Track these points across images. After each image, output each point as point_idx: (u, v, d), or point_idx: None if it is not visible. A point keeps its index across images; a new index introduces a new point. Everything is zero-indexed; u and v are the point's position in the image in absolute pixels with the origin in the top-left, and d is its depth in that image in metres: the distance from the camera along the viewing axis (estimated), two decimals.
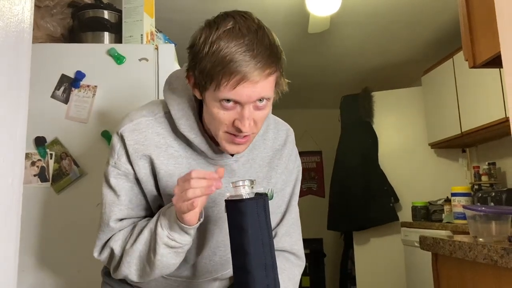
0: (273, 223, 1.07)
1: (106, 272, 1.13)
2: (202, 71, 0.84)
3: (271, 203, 1.04)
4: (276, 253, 0.99)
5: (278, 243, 1.08)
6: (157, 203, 0.99)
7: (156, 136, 0.96)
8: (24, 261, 1.56)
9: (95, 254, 0.98)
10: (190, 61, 0.88)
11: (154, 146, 0.95)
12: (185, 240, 0.89)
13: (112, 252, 0.95)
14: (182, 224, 0.86)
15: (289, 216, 1.10)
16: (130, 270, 0.93)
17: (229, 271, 1.10)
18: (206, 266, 1.04)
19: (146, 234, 0.91)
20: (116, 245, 0.95)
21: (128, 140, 0.95)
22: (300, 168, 1.14)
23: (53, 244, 1.61)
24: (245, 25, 0.84)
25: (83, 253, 1.60)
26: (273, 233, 1.09)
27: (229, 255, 1.01)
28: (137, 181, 0.96)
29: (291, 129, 1.12)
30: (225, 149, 0.92)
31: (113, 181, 0.95)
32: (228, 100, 0.84)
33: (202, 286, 1.08)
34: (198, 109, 0.96)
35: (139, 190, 0.97)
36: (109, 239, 0.97)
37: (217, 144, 0.95)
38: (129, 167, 0.95)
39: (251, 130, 0.88)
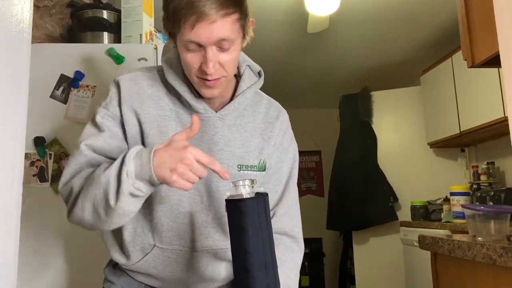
0: (271, 202, 1.06)
1: (108, 270, 1.12)
2: (168, 18, 0.91)
3: (268, 180, 1.06)
4: (275, 236, 0.97)
5: (277, 223, 1.06)
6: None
7: (150, 88, 1.01)
8: (23, 261, 1.56)
9: (59, 185, 0.97)
10: (163, 14, 0.94)
11: (147, 97, 1.00)
12: (151, 190, 0.88)
13: (71, 190, 0.93)
14: (156, 180, 0.83)
15: (288, 196, 1.10)
16: (83, 214, 0.90)
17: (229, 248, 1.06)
18: (200, 227, 1.01)
19: (104, 179, 0.86)
20: (77, 183, 0.92)
21: (123, 86, 1.00)
22: (297, 151, 1.15)
23: (53, 244, 1.61)
24: None
25: (82, 253, 1.60)
26: (271, 213, 1.07)
27: (221, 220, 1.02)
28: (122, 126, 0.98)
29: (285, 111, 1.14)
30: (201, 93, 0.96)
31: (98, 119, 0.98)
32: (191, 42, 0.88)
33: (204, 261, 1.04)
34: None
35: (122, 135, 0.99)
36: (75, 175, 0.94)
37: (201, 97, 0.99)
38: (118, 110, 0.99)
39: (218, 72, 0.92)
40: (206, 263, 1.04)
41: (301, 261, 1.12)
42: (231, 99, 1.04)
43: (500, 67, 0.95)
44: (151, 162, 0.83)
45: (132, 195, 0.85)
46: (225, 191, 0.98)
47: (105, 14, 1.90)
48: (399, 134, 3.76)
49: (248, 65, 1.10)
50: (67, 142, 1.67)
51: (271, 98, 1.15)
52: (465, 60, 1.65)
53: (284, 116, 1.13)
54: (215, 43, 0.89)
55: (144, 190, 0.86)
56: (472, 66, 1.62)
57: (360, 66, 3.98)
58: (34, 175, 1.66)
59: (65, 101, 1.70)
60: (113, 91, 1.01)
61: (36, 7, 1.81)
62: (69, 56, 1.71)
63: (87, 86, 1.71)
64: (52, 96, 1.70)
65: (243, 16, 0.92)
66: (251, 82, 1.07)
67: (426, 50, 3.62)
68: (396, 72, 4.13)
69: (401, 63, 3.91)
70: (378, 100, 3.84)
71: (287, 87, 4.45)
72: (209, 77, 0.91)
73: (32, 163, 1.66)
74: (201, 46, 0.89)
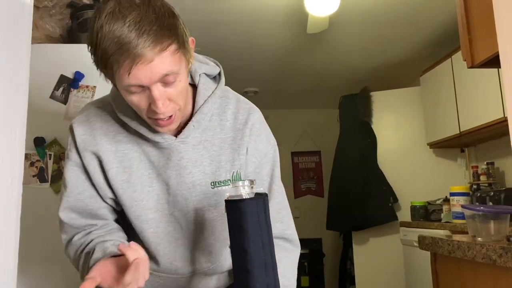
0: None
1: None
2: (98, 63, 0.82)
3: None
4: None
5: None
6: (107, 195, 0.98)
7: (105, 124, 0.96)
8: (23, 262, 1.56)
9: (62, 241, 1.03)
10: (91, 55, 0.84)
11: (102, 134, 0.95)
12: None
13: (69, 256, 1.02)
14: None
15: (274, 201, 1.04)
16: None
17: (219, 265, 1.06)
18: (184, 254, 1.01)
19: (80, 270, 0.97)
20: (71, 253, 1.01)
21: (77, 131, 0.96)
22: (276, 148, 1.07)
23: (52, 244, 1.61)
24: (126, 4, 0.78)
25: None
26: None
27: (204, 243, 1.01)
28: (88, 173, 0.96)
29: (255, 108, 1.05)
30: (157, 130, 0.90)
31: (65, 173, 0.98)
32: (132, 86, 0.80)
33: (194, 282, 1.04)
34: None
35: (90, 182, 0.97)
36: (70, 240, 1.01)
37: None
38: (77, 157, 0.96)
39: (169, 109, 0.84)
40: (197, 282, 1.05)
41: (297, 259, 1.09)
42: (191, 115, 0.96)
43: (500, 67, 0.95)
44: None
45: None
46: (204, 213, 0.99)
47: None
48: (399, 135, 3.77)
49: (204, 73, 1.00)
50: (67, 142, 1.67)
51: (239, 98, 1.05)
52: (465, 60, 1.65)
53: (254, 117, 1.02)
54: (158, 81, 0.80)
55: None
56: (472, 67, 1.62)
57: (360, 67, 3.98)
58: (34, 176, 1.66)
59: (65, 101, 1.70)
60: (70, 138, 0.98)
61: (36, 7, 1.81)
62: (69, 57, 1.71)
63: (87, 86, 1.71)
64: (52, 96, 1.70)
65: (181, 43, 0.82)
66: (208, 93, 0.97)
67: (425, 51, 3.62)
68: (395, 73, 4.13)
69: (401, 63, 3.91)
70: (378, 101, 3.84)
71: (287, 88, 4.45)
72: (161, 116, 0.84)
73: (32, 164, 1.66)
74: (143, 87, 0.81)
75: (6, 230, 0.54)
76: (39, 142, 1.66)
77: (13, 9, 0.57)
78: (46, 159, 1.66)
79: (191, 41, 0.87)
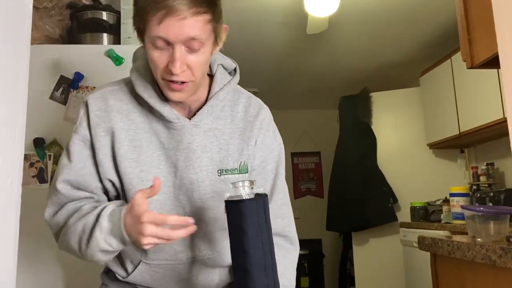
0: None
1: (105, 275, 1.12)
2: (137, 14, 0.87)
3: None
4: None
5: None
6: (106, 175, 0.98)
7: (119, 102, 0.98)
8: (22, 263, 1.56)
9: (46, 217, 0.99)
10: (133, 12, 0.90)
11: (116, 111, 0.97)
12: (121, 247, 0.89)
13: (56, 226, 0.98)
14: (128, 239, 0.85)
15: (277, 197, 1.06)
16: (67, 250, 0.97)
17: (220, 256, 1.04)
18: (183, 239, 1.00)
19: (80, 228, 0.91)
20: (60, 220, 0.96)
21: (92, 107, 0.97)
22: (282, 146, 1.10)
23: (52, 245, 1.61)
24: None
25: None
26: None
27: (205, 229, 1.01)
28: (93, 149, 0.97)
29: (266, 107, 1.09)
30: (167, 96, 0.92)
31: (71, 146, 0.98)
32: (158, 38, 0.84)
33: (194, 271, 1.03)
34: None
35: (93, 160, 0.97)
36: (59, 210, 0.97)
37: (173, 106, 0.96)
38: (87, 132, 0.97)
39: (185, 75, 0.87)
40: (196, 272, 1.03)
41: (297, 259, 1.09)
42: (205, 102, 1.00)
43: (499, 68, 0.95)
44: (121, 222, 0.85)
45: (101, 250, 0.89)
46: (208, 199, 0.99)
47: (104, 15, 1.90)
48: (399, 135, 3.77)
49: (221, 64, 1.05)
50: (67, 143, 1.67)
51: (251, 95, 1.09)
52: (464, 61, 1.65)
53: (265, 112, 1.07)
54: (184, 42, 0.84)
55: (115, 246, 0.88)
56: (471, 67, 1.62)
57: (360, 67, 3.98)
58: (33, 176, 1.66)
59: (64, 102, 1.70)
60: (81, 113, 0.99)
61: (36, 8, 1.81)
62: (68, 57, 1.71)
63: (86, 87, 1.71)
64: (52, 97, 1.70)
65: (216, 18, 0.87)
66: (224, 82, 1.02)
67: (425, 51, 3.62)
68: (395, 73, 4.14)
69: (401, 64, 3.92)
70: (378, 101, 3.84)
71: (286, 88, 4.45)
72: (175, 78, 0.87)
73: (31, 164, 1.66)
74: (169, 44, 0.85)
75: (5, 231, 0.54)
76: (38, 143, 1.66)
77: (12, 10, 0.57)
78: (46, 160, 1.66)
79: (224, 28, 0.92)
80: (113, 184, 0.99)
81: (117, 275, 1.05)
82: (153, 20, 0.82)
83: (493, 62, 1.46)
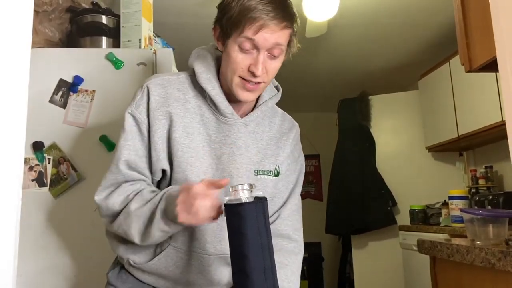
0: (276, 206, 1.13)
1: (115, 275, 1.11)
2: (229, 19, 0.97)
3: (276, 183, 1.11)
4: (277, 240, 1.04)
5: (280, 225, 1.11)
6: (159, 163, 1.02)
7: (177, 91, 1.06)
8: (22, 266, 1.56)
9: (96, 197, 1.01)
10: (218, 14, 1.02)
11: (173, 99, 1.04)
12: (178, 228, 0.95)
13: (112, 207, 1.00)
14: (176, 223, 0.90)
15: (293, 201, 1.17)
16: (122, 235, 1.00)
17: None
18: (214, 231, 1.04)
19: (145, 210, 0.95)
20: (117, 201, 0.99)
21: (152, 91, 1.04)
22: (304, 163, 1.24)
23: (51, 249, 1.61)
24: None
25: (81, 257, 1.60)
26: (276, 215, 1.13)
27: None
28: (148, 134, 1.02)
29: (297, 124, 1.25)
30: (237, 94, 1.01)
31: (126, 127, 1.02)
32: (248, 41, 0.95)
33: (214, 265, 1.06)
34: (218, 69, 1.08)
35: (147, 144, 1.02)
36: (113, 191, 1.00)
37: (230, 101, 1.05)
38: (145, 117, 1.02)
39: (262, 77, 0.99)
40: (215, 267, 1.06)
41: (301, 263, 1.15)
42: (253, 108, 1.10)
43: (498, 71, 0.95)
44: (175, 205, 0.89)
45: (162, 230, 0.94)
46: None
47: (104, 19, 1.91)
48: (398, 138, 3.77)
49: None
50: (66, 146, 1.67)
51: (285, 113, 1.24)
52: (463, 64, 1.66)
53: (297, 129, 1.23)
54: (268, 49, 0.97)
55: (173, 228, 0.93)
56: (470, 71, 1.63)
57: (358, 70, 3.99)
58: (32, 180, 1.65)
59: (64, 105, 1.70)
60: (139, 96, 1.04)
61: (36, 12, 1.81)
62: (68, 61, 1.72)
63: (86, 90, 1.71)
64: (51, 100, 1.70)
65: (293, 34, 1.02)
66: (272, 93, 1.15)
67: (423, 54, 3.63)
68: (394, 76, 4.15)
69: (399, 67, 3.93)
70: (376, 104, 3.85)
71: (285, 91, 4.42)
72: (254, 79, 0.98)
73: (30, 168, 1.66)
74: (254, 49, 0.97)
75: (5, 234, 0.54)
76: (38, 147, 1.66)
77: (12, 14, 0.57)
78: (45, 164, 1.66)
79: (296, 44, 1.06)
80: (162, 170, 1.03)
81: (133, 263, 1.05)
82: (249, 30, 0.95)
83: (492, 66, 1.47)
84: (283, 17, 0.96)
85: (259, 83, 1.00)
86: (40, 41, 1.84)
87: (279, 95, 1.18)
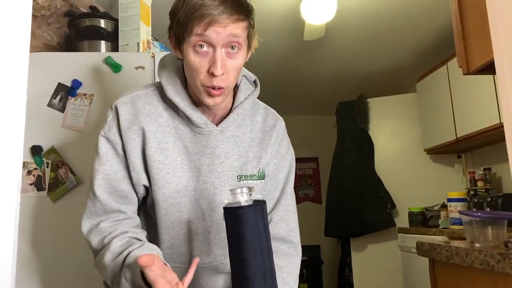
0: (268, 208, 1.09)
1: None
2: (178, 23, 0.92)
3: (263, 186, 1.07)
4: (272, 243, 0.97)
5: (273, 229, 1.08)
6: (140, 180, 1.00)
7: (148, 105, 1.02)
8: (20, 270, 1.55)
9: (82, 228, 1.01)
10: (170, 23, 0.96)
11: (144, 114, 1.01)
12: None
13: (91, 246, 1.00)
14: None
15: (284, 202, 1.11)
16: (104, 277, 0.99)
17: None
18: (201, 245, 1.03)
19: (111, 271, 0.94)
20: (95, 242, 0.99)
21: (121, 111, 1.00)
22: (294, 157, 1.17)
23: (50, 253, 1.60)
24: None
25: (79, 261, 1.59)
26: (269, 218, 1.09)
27: (223, 235, 1.02)
28: (124, 154, 0.99)
29: (281, 118, 1.16)
30: (204, 102, 0.96)
31: (101, 150, 1.00)
32: (201, 46, 0.90)
33: (205, 276, 1.05)
34: (185, 80, 1.03)
35: (125, 164, 1.00)
36: (94, 228, 1.00)
37: (202, 111, 1.01)
38: (118, 137, 0.99)
39: (223, 79, 0.93)
40: (207, 277, 1.05)
41: (299, 266, 1.12)
42: (230, 110, 1.05)
43: (495, 74, 0.96)
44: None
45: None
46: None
47: (102, 23, 1.91)
48: (396, 141, 3.78)
49: (244, 75, 1.11)
50: (65, 150, 1.67)
51: (267, 107, 1.17)
52: (460, 67, 1.66)
53: (281, 123, 1.15)
54: (224, 45, 0.91)
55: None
56: (467, 73, 1.64)
57: (356, 73, 4.00)
58: (31, 184, 1.65)
59: (62, 109, 1.70)
60: (110, 117, 1.02)
61: (34, 16, 1.81)
62: (66, 65, 1.72)
63: (84, 94, 1.71)
64: (50, 104, 1.70)
65: (251, 27, 0.96)
66: (248, 92, 1.08)
67: (421, 57, 3.64)
68: (392, 79, 4.16)
69: (397, 70, 3.94)
70: (375, 107, 3.86)
71: (283, 94, 4.46)
72: (215, 83, 0.92)
73: (29, 172, 1.65)
74: (209, 48, 0.91)
75: (3, 239, 0.54)
76: (36, 150, 1.65)
77: (11, 18, 0.57)
78: (44, 168, 1.65)
79: (256, 37, 1.00)
80: (145, 186, 1.02)
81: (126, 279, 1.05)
82: (197, 28, 0.89)
83: (489, 68, 1.47)
84: (233, 9, 0.90)
85: (221, 88, 0.94)
86: (39, 45, 1.84)
87: (257, 91, 1.11)
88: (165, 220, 1.01)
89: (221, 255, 1.05)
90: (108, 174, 0.99)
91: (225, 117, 1.04)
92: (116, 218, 1.00)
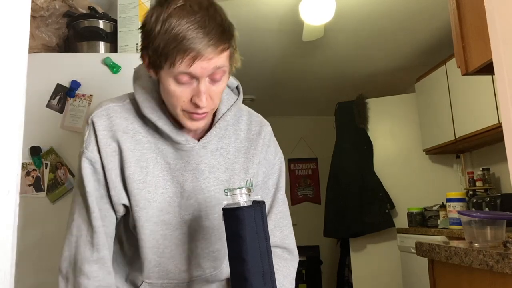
0: None
1: None
2: (156, 50, 0.84)
3: (254, 195, 1.02)
4: None
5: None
6: (120, 199, 0.96)
7: (124, 121, 0.96)
8: (20, 271, 1.55)
9: (60, 265, 0.99)
10: (143, 41, 0.89)
11: (121, 131, 0.95)
12: None
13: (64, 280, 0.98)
14: None
15: (277, 210, 1.07)
16: None
17: (220, 271, 1.06)
18: (189, 259, 1.00)
19: None
20: (71, 279, 0.96)
21: (98, 126, 0.94)
22: (283, 160, 1.12)
23: (49, 254, 1.60)
24: (196, 2, 0.85)
25: None
26: None
27: (211, 249, 1.01)
28: (104, 172, 0.94)
29: (266, 122, 1.11)
30: (185, 126, 0.92)
31: (81, 169, 0.94)
32: (184, 74, 0.85)
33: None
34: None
35: (105, 182, 0.95)
36: (68, 267, 0.97)
37: (181, 126, 0.95)
38: (96, 155, 0.94)
39: (209, 106, 0.89)
40: None
41: (295, 269, 1.09)
42: (212, 122, 1.00)
43: (494, 74, 0.96)
44: None
45: None
46: (215, 219, 0.99)
47: (101, 24, 1.91)
48: (395, 141, 3.78)
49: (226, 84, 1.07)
50: (63, 151, 1.67)
51: (251, 111, 1.11)
52: (459, 67, 1.66)
53: (266, 129, 1.09)
54: (209, 75, 0.86)
55: None
56: (466, 74, 1.64)
57: (355, 74, 4.00)
58: (30, 185, 1.65)
59: (61, 110, 1.70)
60: (88, 133, 0.96)
61: (33, 17, 1.81)
62: (65, 66, 1.72)
63: (83, 95, 1.71)
64: (48, 105, 1.70)
65: (234, 48, 0.91)
66: (230, 102, 1.03)
67: (420, 58, 3.65)
68: (391, 79, 4.16)
69: (396, 70, 3.94)
70: (374, 107, 3.86)
71: (282, 95, 4.46)
72: (199, 111, 0.88)
73: (28, 173, 1.65)
74: (192, 78, 0.86)
75: (3, 241, 0.54)
76: (35, 151, 1.65)
77: (9, 19, 0.57)
78: (42, 169, 1.65)
79: (238, 56, 0.94)
80: (124, 206, 0.97)
81: None
82: (181, 64, 0.83)
83: (488, 69, 1.47)
84: (219, 40, 0.83)
85: (206, 112, 0.90)
86: (37, 46, 1.84)
87: (240, 98, 1.05)
88: (150, 240, 0.97)
89: (211, 267, 1.03)
90: (90, 196, 0.94)
91: (207, 131, 0.98)
92: (103, 262, 0.96)
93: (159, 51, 0.83)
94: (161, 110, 0.95)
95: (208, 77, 0.86)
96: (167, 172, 0.96)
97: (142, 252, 0.98)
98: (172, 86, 0.86)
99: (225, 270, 1.06)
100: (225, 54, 0.87)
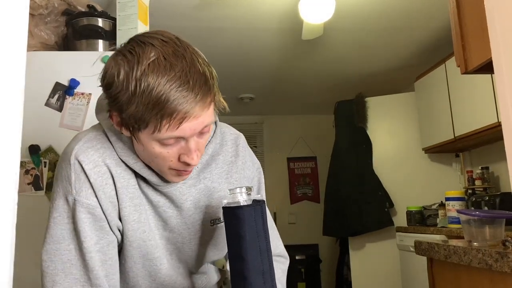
0: None
1: None
2: (133, 115, 0.74)
3: None
4: None
5: None
6: (118, 239, 0.90)
7: (117, 167, 0.86)
8: (18, 271, 1.55)
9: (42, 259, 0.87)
10: (110, 101, 0.77)
11: (115, 165, 0.86)
12: None
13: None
14: None
15: None
16: None
17: (209, 281, 1.07)
18: (183, 279, 1.00)
19: None
20: None
21: (86, 164, 0.82)
22: (260, 169, 1.07)
23: None
24: (170, 51, 0.75)
25: None
26: None
27: (203, 269, 1.03)
28: (105, 215, 0.84)
29: (239, 135, 1.04)
30: (170, 180, 0.86)
31: (77, 221, 0.82)
32: (172, 138, 0.77)
33: None
34: None
35: (109, 230, 0.85)
36: None
37: None
38: (93, 199, 0.83)
39: (199, 159, 0.82)
40: None
41: (287, 268, 1.10)
42: None
43: (493, 73, 0.96)
44: None
45: None
46: (199, 249, 0.99)
47: (100, 22, 1.91)
48: (394, 140, 3.78)
49: None
50: (62, 150, 1.66)
51: (223, 130, 1.02)
52: (458, 66, 1.66)
53: (241, 146, 1.02)
54: (199, 132, 0.80)
55: None
56: (465, 73, 1.64)
57: (355, 72, 4.00)
58: (28, 184, 1.65)
59: (60, 109, 1.70)
60: (74, 176, 0.83)
61: (31, 15, 1.81)
62: (64, 64, 1.71)
63: (82, 94, 1.71)
64: (47, 104, 1.69)
65: (216, 94, 0.81)
66: (210, 134, 0.95)
67: (419, 56, 3.65)
68: (390, 78, 4.16)
69: (395, 69, 3.94)
70: (373, 106, 3.86)
71: (282, 94, 4.46)
72: (188, 168, 0.83)
73: (26, 172, 1.65)
74: (179, 139, 0.78)
75: (1, 239, 0.54)
76: (34, 150, 1.65)
77: (8, 17, 0.57)
78: (41, 167, 1.65)
79: (221, 98, 0.85)
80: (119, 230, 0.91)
81: None
82: (167, 130, 0.75)
83: (487, 67, 1.47)
84: (205, 93, 0.75)
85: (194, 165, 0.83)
86: (36, 44, 1.84)
87: (218, 126, 0.98)
88: (141, 265, 0.93)
89: (202, 282, 1.05)
90: (94, 250, 0.84)
91: None
92: None
93: (137, 116, 0.74)
94: (135, 153, 0.85)
95: (196, 135, 0.80)
96: (149, 206, 0.90)
97: (132, 276, 0.94)
98: (156, 148, 0.78)
99: (213, 279, 1.09)
100: (211, 107, 0.79)
